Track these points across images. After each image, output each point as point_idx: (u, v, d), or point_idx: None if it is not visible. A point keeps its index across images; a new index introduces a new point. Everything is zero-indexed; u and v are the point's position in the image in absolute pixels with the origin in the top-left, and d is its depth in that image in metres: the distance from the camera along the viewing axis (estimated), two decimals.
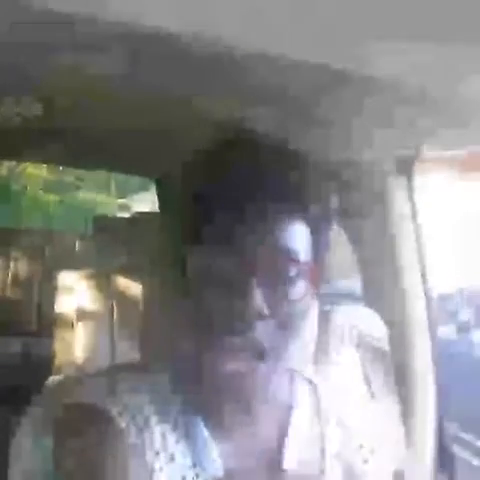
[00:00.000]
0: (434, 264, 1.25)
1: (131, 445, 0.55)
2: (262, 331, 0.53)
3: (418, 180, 1.12)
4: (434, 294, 1.26)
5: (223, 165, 0.55)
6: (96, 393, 0.58)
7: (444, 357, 1.14)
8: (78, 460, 0.55)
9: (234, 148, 0.57)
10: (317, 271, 0.58)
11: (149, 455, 0.56)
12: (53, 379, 0.99)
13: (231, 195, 0.54)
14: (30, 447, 0.65)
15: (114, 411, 0.56)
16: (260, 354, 0.54)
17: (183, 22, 0.50)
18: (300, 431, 0.62)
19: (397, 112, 0.82)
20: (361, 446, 0.64)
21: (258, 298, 0.53)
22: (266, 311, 0.53)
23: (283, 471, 0.60)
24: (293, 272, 0.55)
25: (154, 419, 0.57)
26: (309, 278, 0.56)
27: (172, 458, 0.57)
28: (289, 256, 0.55)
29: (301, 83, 0.75)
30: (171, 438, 0.57)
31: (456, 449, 1.15)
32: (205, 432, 0.58)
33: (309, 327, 0.64)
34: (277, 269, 0.55)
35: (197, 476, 0.57)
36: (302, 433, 0.62)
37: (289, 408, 0.62)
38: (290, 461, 0.60)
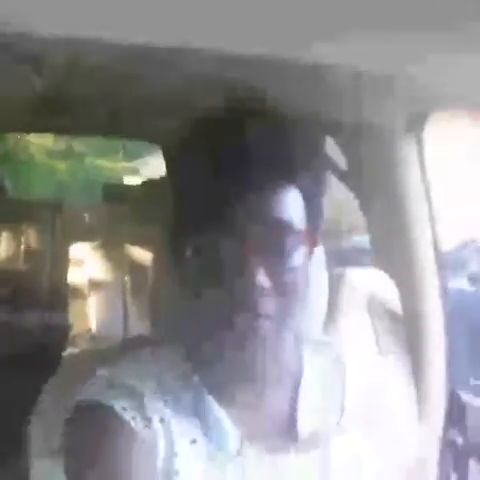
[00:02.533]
0: (445, 215, 1.24)
1: (142, 441, 0.56)
2: (266, 304, 0.54)
3: (429, 130, 1.10)
4: (445, 246, 1.25)
5: (214, 136, 0.54)
6: (104, 389, 0.58)
7: (455, 309, 1.15)
8: (88, 456, 0.56)
9: (228, 117, 0.56)
10: (313, 236, 0.58)
11: (163, 447, 0.56)
12: (67, 357, 1.01)
13: (222, 169, 0.53)
14: (47, 427, 0.67)
15: (122, 406, 0.56)
16: (266, 323, 0.54)
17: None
18: (312, 394, 0.62)
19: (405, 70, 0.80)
20: (382, 402, 0.65)
21: (259, 273, 0.53)
22: (268, 285, 0.54)
23: (298, 435, 0.60)
24: (290, 242, 0.55)
25: (166, 408, 0.58)
26: (306, 244, 0.57)
27: (192, 441, 0.57)
28: (284, 227, 0.55)
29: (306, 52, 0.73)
30: (185, 423, 0.58)
31: (469, 397, 1.17)
32: (219, 409, 0.59)
33: (316, 293, 0.65)
34: (274, 241, 0.55)
35: (216, 450, 0.58)
36: (314, 396, 0.62)
37: (299, 373, 0.63)
38: (304, 425, 0.61)
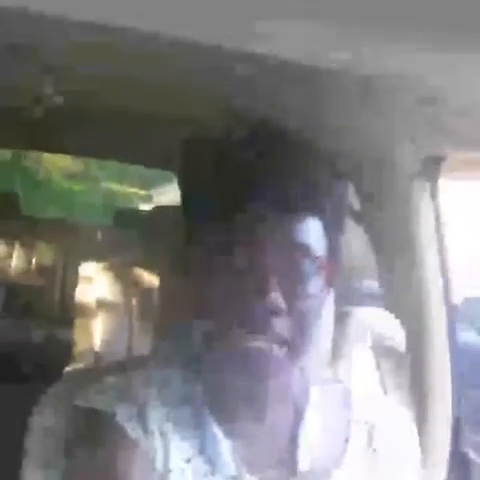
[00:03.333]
0: (460, 268, 1.23)
1: (141, 452, 0.55)
2: (279, 326, 0.54)
3: (444, 181, 1.11)
4: (456, 298, 1.23)
5: (238, 159, 0.55)
6: (107, 396, 0.58)
7: (464, 362, 1.13)
8: (87, 464, 0.55)
9: (251, 140, 0.57)
10: (332, 267, 0.58)
11: (160, 461, 0.56)
12: (69, 370, 1.01)
13: (246, 191, 0.54)
14: (43, 437, 0.66)
15: (124, 416, 0.57)
16: (278, 348, 0.54)
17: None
18: (315, 428, 0.62)
19: (423, 112, 0.81)
20: (386, 447, 0.64)
21: (275, 294, 0.53)
22: (283, 307, 0.54)
23: (297, 468, 0.59)
24: (309, 268, 0.56)
25: (168, 423, 0.58)
26: (324, 274, 0.57)
27: (187, 460, 0.57)
28: (305, 252, 0.56)
29: (322, 83, 0.75)
30: (183, 440, 0.58)
31: (473, 454, 1.13)
32: (218, 432, 0.58)
33: (324, 325, 0.65)
34: (293, 265, 0.55)
35: (211, 473, 0.57)
36: (317, 431, 0.62)
37: (304, 406, 0.62)
38: (304, 462, 0.60)
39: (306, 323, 0.56)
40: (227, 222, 0.55)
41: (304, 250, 0.56)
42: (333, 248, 0.59)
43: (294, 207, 0.55)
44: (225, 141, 0.58)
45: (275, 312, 0.53)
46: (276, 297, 0.53)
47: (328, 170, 0.58)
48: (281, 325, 0.54)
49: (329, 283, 0.58)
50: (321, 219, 0.57)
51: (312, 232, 0.56)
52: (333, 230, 0.59)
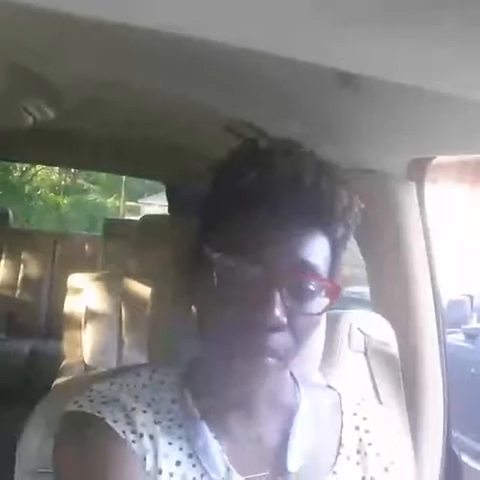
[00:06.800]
0: (443, 270, 1.24)
1: (131, 453, 0.56)
2: (278, 341, 0.54)
3: (429, 186, 1.12)
4: (443, 301, 1.24)
5: (251, 176, 0.55)
6: (97, 401, 0.58)
7: (452, 364, 1.13)
8: (76, 468, 0.55)
9: (262, 159, 0.56)
10: (335, 285, 0.58)
11: (150, 463, 0.56)
12: (58, 383, 1.00)
13: (258, 208, 0.54)
14: (34, 451, 0.67)
15: (113, 419, 0.57)
16: (272, 361, 0.54)
17: (192, 27, 0.50)
18: (305, 433, 0.62)
19: (409, 118, 0.82)
20: (378, 454, 0.64)
21: (278, 310, 0.53)
22: (284, 323, 0.54)
23: (287, 471, 0.60)
24: (314, 287, 0.56)
25: (157, 427, 0.58)
26: (328, 294, 0.57)
27: (177, 463, 0.57)
28: (312, 271, 0.55)
29: (313, 88, 0.75)
30: (173, 443, 0.58)
31: (465, 458, 1.13)
32: (209, 435, 0.59)
33: (318, 335, 0.66)
34: (299, 283, 0.55)
35: (201, 476, 0.58)
36: (307, 436, 0.62)
37: (294, 411, 0.63)
38: (293, 464, 0.60)
39: (304, 337, 0.56)
40: (232, 240, 0.55)
41: (310, 270, 0.55)
42: (336, 265, 0.59)
43: (303, 226, 0.55)
44: (231, 159, 0.58)
45: (276, 328, 0.54)
46: (279, 314, 0.53)
47: (338, 188, 0.57)
48: (279, 340, 0.54)
49: (332, 301, 0.58)
50: (329, 238, 0.57)
51: (319, 251, 0.56)
52: (339, 248, 0.59)
